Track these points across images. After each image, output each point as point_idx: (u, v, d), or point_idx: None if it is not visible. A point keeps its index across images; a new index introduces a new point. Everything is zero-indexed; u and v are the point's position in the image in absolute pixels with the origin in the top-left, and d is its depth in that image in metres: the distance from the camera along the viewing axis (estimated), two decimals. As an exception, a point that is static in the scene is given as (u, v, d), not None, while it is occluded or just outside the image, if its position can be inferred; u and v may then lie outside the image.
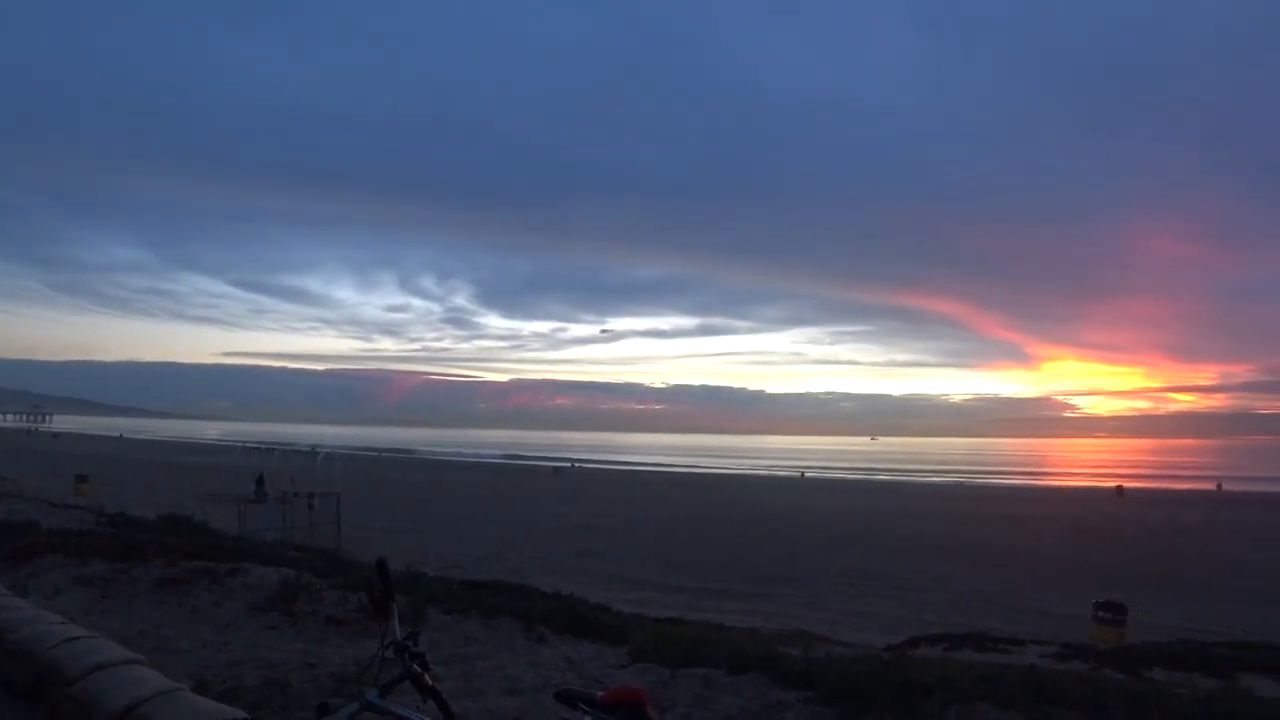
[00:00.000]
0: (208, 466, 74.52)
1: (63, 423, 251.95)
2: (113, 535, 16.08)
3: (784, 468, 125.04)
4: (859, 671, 6.57)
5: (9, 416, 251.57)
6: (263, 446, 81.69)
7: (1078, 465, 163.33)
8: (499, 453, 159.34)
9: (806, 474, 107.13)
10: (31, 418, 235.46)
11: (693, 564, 31.12)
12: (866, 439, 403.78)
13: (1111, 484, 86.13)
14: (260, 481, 41.30)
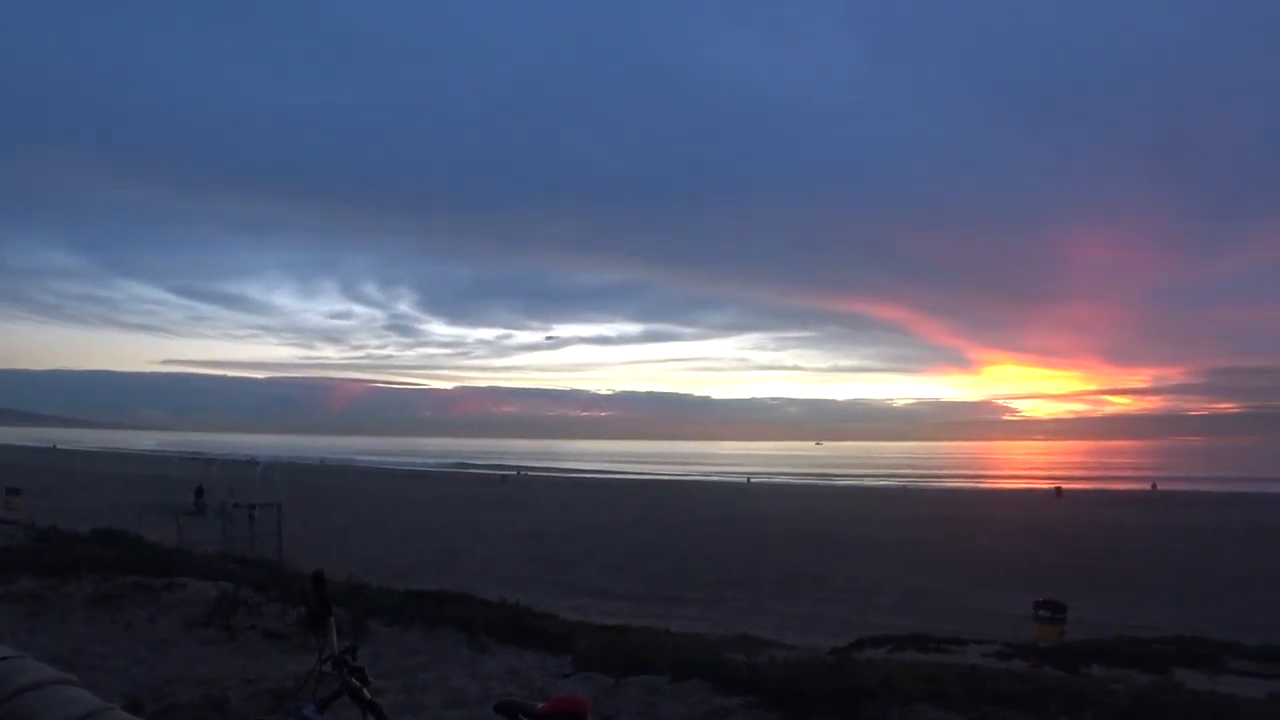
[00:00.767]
0: (145, 477, 72.77)
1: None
2: (44, 550, 15.65)
3: (730, 473, 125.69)
4: (802, 675, 6.61)
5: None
6: (202, 457, 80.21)
7: (1018, 467, 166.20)
8: (444, 461, 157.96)
9: (752, 479, 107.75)
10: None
11: (640, 570, 31.11)
12: (811, 443, 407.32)
13: (1050, 485, 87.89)
14: (199, 492, 40.53)
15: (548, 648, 8.60)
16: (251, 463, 77.52)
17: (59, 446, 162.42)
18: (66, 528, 24.25)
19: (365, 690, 3.48)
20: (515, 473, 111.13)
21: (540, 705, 3.64)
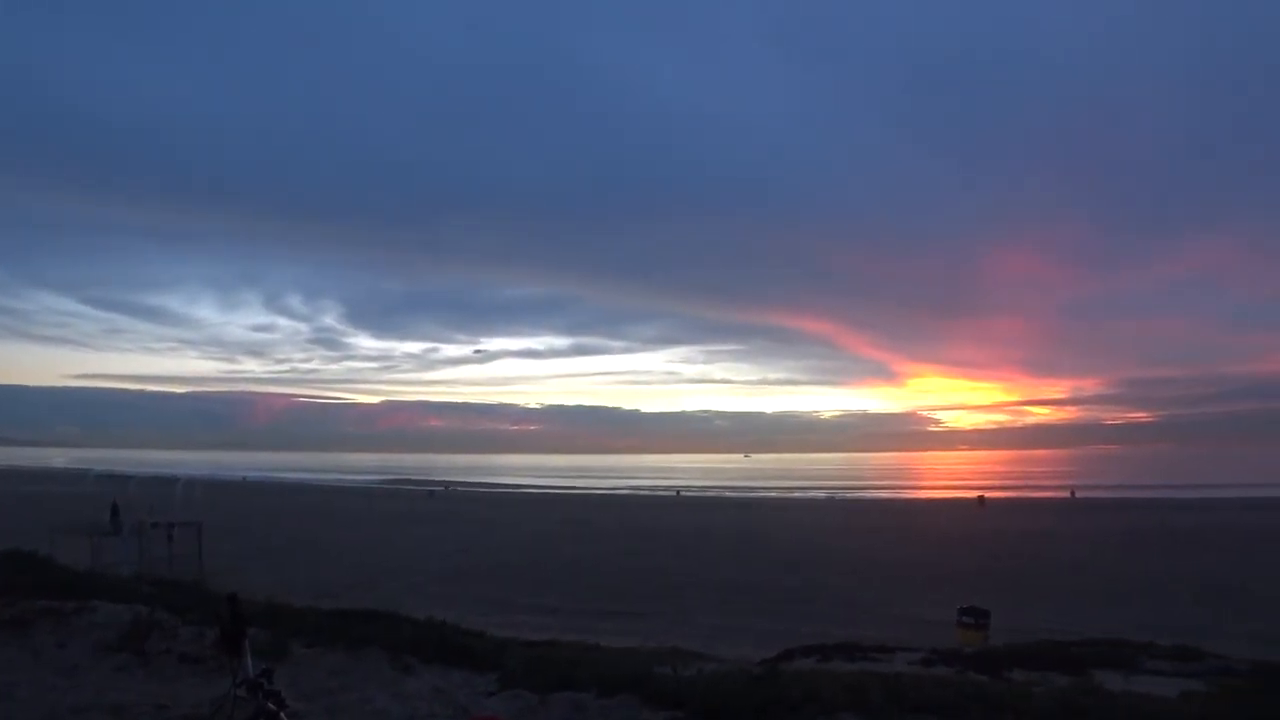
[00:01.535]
0: (57, 496, 70.25)
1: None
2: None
3: (660, 486, 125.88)
4: (727, 688, 6.62)
5: None
6: (118, 474, 77.70)
7: (942, 477, 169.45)
8: (371, 476, 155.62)
9: (682, 492, 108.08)
10: None
11: (570, 585, 30.97)
12: (740, 456, 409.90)
13: (974, 494, 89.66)
14: (115, 511, 39.20)
15: (474, 666, 8.47)
16: (170, 480, 75.42)
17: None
18: (-29, 551, 23.35)
19: (282, 714, 3.42)
20: (443, 488, 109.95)
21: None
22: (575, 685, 7.33)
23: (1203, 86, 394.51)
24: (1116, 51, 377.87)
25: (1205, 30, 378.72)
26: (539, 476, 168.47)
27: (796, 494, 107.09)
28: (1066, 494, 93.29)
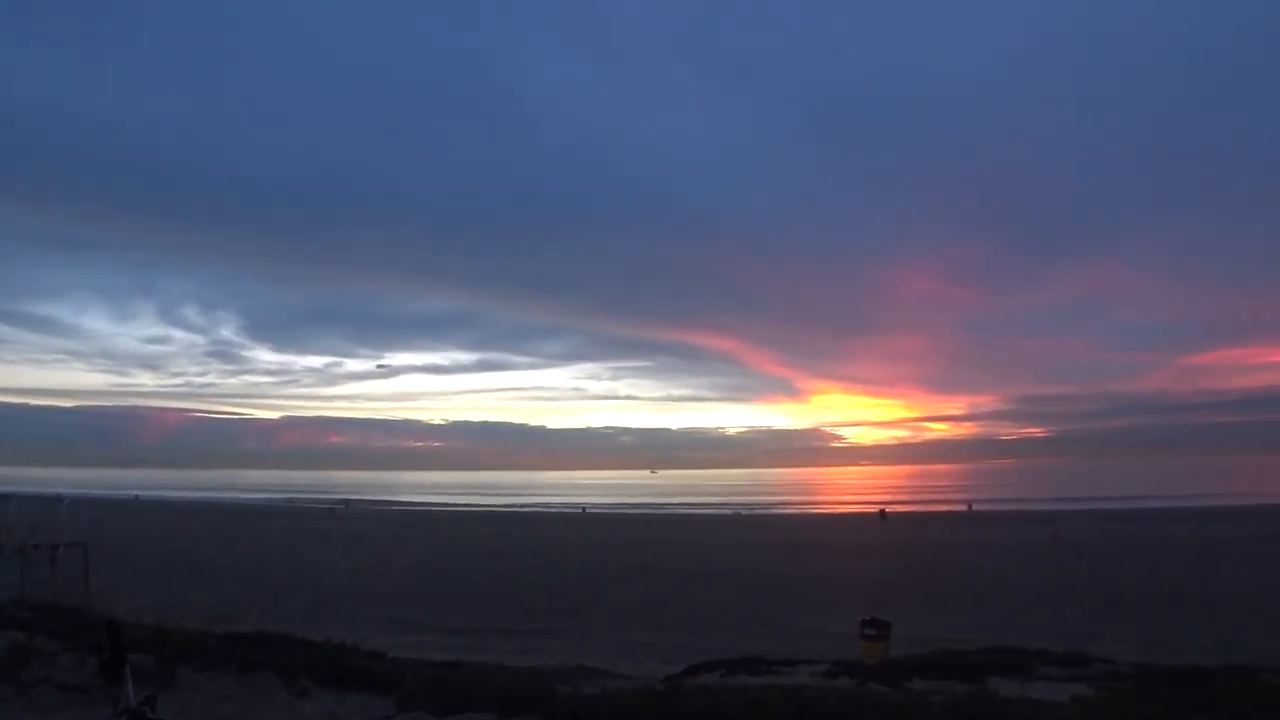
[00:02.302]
0: (-69, 520, 66.71)
1: None
2: None
3: (566, 503, 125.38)
4: (629, 706, 6.58)
5: None
6: (-2, 494, 73.98)
7: (845, 491, 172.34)
8: (270, 494, 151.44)
9: (588, 508, 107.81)
10: None
11: (475, 603, 30.56)
12: (647, 472, 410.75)
13: (875, 508, 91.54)
14: (-7, 534, 37.31)
15: (372, 688, 8.26)
16: (55, 499, 72.02)
17: None
18: None
19: (163, 743, 3.26)
20: (344, 505, 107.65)
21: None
22: (476, 706, 7.21)
23: (1094, 114, 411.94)
24: (1014, 80, 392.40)
25: (1096, 60, 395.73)
26: (443, 493, 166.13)
27: (703, 510, 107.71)
28: (964, 507, 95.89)
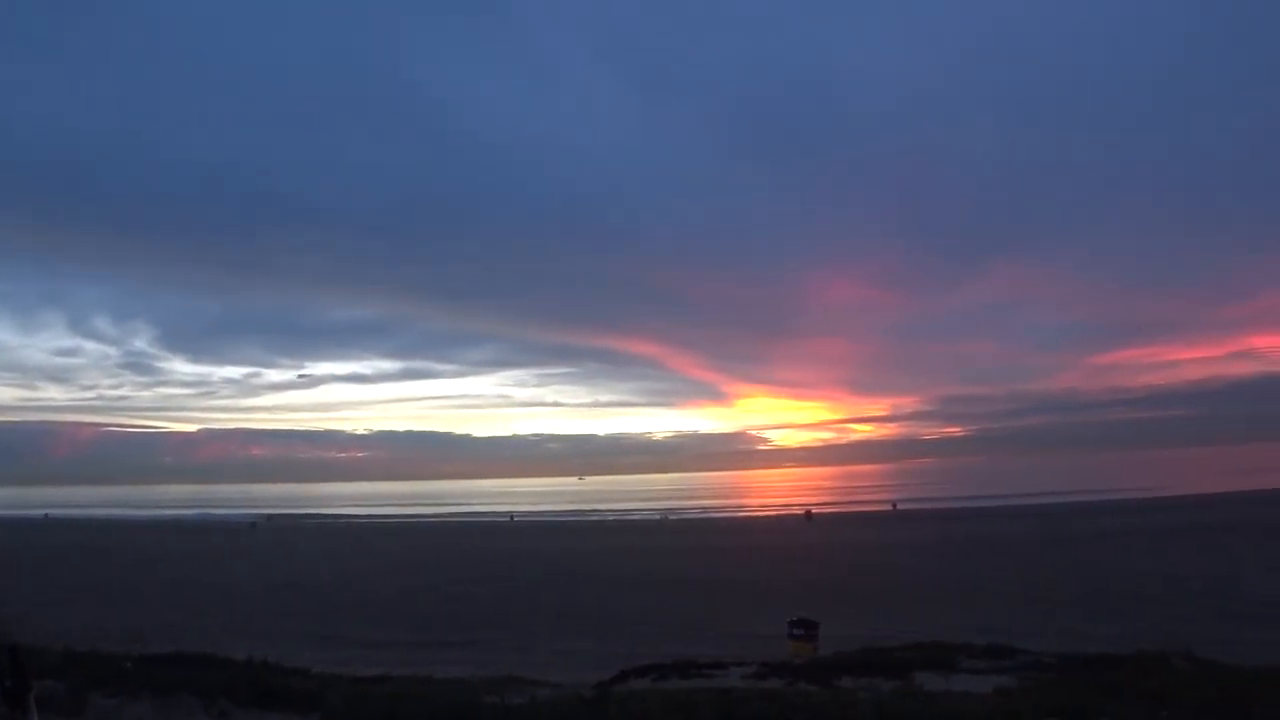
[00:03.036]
0: None
1: None
2: None
3: (494, 511, 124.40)
4: (558, 715, 6.52)
5: None
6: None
7: (771, 493, 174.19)
8: (188, 509, 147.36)
9: (516, 517, 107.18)
10: None
11: (402, 616, 30.11)
12: (574, 479, 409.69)
13: (801, 509, 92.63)
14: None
15: (294, 707, 8.06)
16: (-42, 522, 69.32)
17: None
18: None
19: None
20: (266, 519, 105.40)
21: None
22: None
23: (1006, 124, 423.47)
24: (930, 92, 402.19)
25: (1008, 72, 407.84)
26: (368, 505, 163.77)
27: (632, 515, 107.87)
28: (889, 506, 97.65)
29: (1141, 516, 63.48)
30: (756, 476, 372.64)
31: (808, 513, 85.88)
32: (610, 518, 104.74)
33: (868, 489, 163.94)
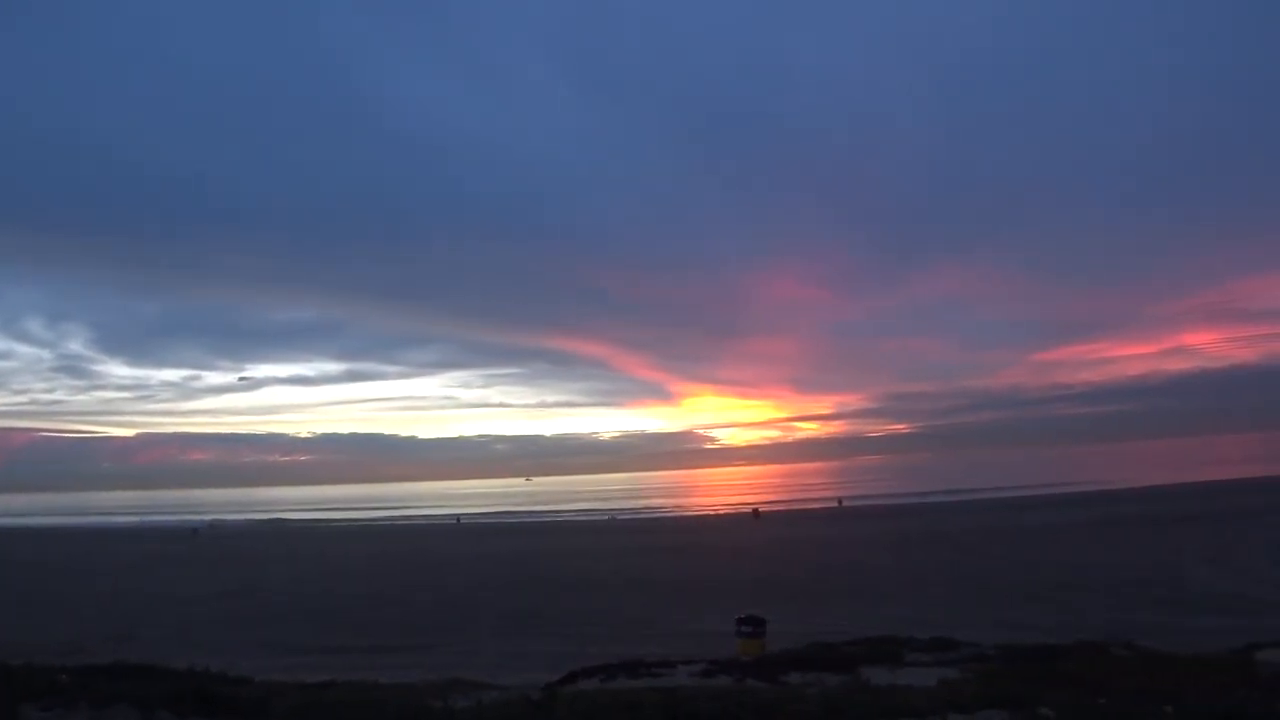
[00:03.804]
0: None
1: None
2: None
3: (440, 513, 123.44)
4: (504, 717, 6.51)
5: None
6: None
7: (719, 492, 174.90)
8: (127, 516, 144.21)
9: (463, 519, 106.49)
10: None
11: (350, 621, 29.80)
12: (522, 480, 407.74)
13: (749, 507, 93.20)
14: None
15: (239, 715, 7.94)
16: (-115, 534, 67.18)
17: None
18: None
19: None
20: (209, 525, 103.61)
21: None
22: (348, 726, 7.01)
23: (947, 123, 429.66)
24: (872, 90, 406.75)
25: (949, 71, 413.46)
26: (313, 509, 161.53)
27: (579, 516, 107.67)
28: (835, 503, 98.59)
29: (1084, 509, 64.91)
30: (704, 475, 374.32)
31: (755, 511, 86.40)
32: (558, 519, 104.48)
33: (814, 486, 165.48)
